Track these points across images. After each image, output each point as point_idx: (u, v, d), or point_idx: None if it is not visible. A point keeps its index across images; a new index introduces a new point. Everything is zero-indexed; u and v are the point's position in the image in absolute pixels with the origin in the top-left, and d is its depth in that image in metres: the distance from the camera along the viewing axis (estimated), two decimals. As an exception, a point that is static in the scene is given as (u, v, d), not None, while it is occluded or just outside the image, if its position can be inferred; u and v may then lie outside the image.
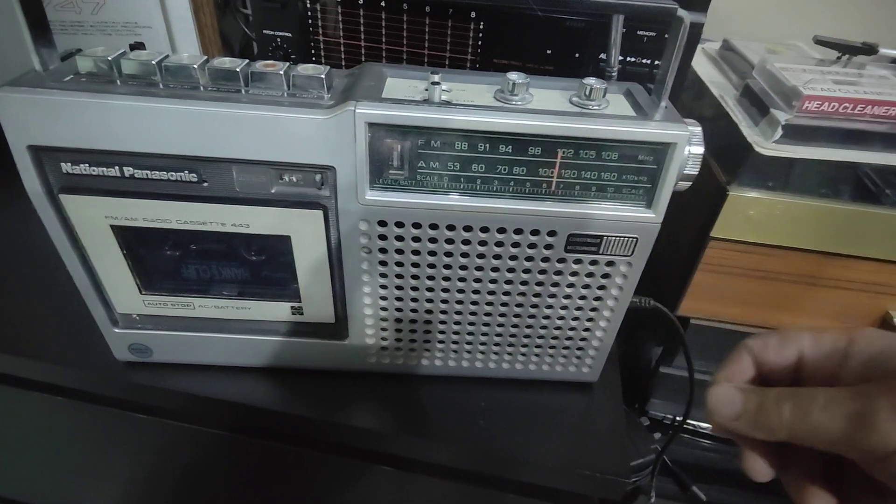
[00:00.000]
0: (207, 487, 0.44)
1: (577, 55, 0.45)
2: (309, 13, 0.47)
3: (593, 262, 0.29)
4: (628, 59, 0.45)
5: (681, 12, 0.24)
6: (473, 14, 0.45)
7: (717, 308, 0.50)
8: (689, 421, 0.62)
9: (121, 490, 0.46)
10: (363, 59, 0.48)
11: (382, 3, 0.45)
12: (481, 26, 0.45)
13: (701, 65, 0.55)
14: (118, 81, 0.25)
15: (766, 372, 0.23)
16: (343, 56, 0.49)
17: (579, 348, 0.34)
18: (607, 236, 0.28)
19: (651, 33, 0.44)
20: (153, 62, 0.25)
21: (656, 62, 0.45)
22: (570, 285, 0.30)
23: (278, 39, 0.49)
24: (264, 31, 0.49)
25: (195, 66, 0.25)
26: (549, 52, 0.46)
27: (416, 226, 0.27)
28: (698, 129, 0.25)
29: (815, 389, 0.20)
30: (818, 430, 0.19)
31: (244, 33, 0.60)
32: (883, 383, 0.18)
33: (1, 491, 0.50)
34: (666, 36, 0.43)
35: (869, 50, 0.49)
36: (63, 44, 0.26)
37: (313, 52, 0.49)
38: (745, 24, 0.69)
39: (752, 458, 0.23)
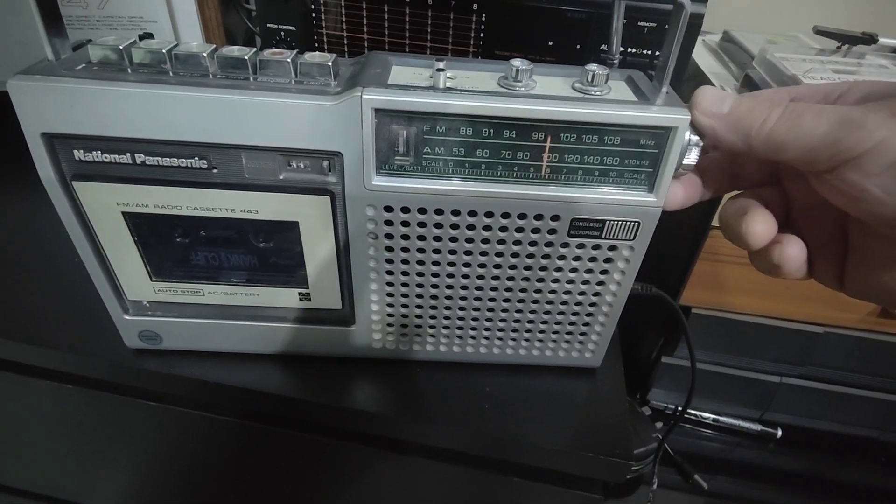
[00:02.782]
0: (216, 473, 0.45)
1: (577, 46, 0.46)
2: (312, 6, 0.47)
3: (596, 247, 0.30)
4: (629, 49, 0.45)
5: (682, -2, 0.24)
6: (475, 6, 0.45)
7: (718, 297, 0.51)
8: (690, 410, 0.62)
9: (130, 477, 0.47)
10: (366, 51, 0.49)
11: (385, -4, 0.45)
12: (483, 18, 0.46)
13: (701, 56, 0.55)
14: (129, 70, 0.25)
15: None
16: (346, 49, 0.49)
17: (582, 333, 0.34)
18: (610, 220, 0.28)
19: (651, 24, 0.45)
20: (163, 50, 0.25)
21: (656, 52, 0.45)
22: (574, 270, 0.31)
23: (282, 33, 0.50)
24: (268, 25, 0.49)
25: (204, 55, 0.25)
26: (550, 43, 0.46)
27: (422, 211, 0.28)
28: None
29: (810, 102, 0.21)
30: (801, 133, 0.20)
31: (247, 27, 0.61)
32: (881, 102, 0.19)
33: (10, 480, 0.51)
34: (666, 27, 0.44)
35: (869, 39, 0.49)
36: (69, 38, 0.26)
37: (316, 45, 0.49)
38: (744, 16, 0.69)
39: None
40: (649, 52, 0.45)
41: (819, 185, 0.21)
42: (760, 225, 0.23)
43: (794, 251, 0.23)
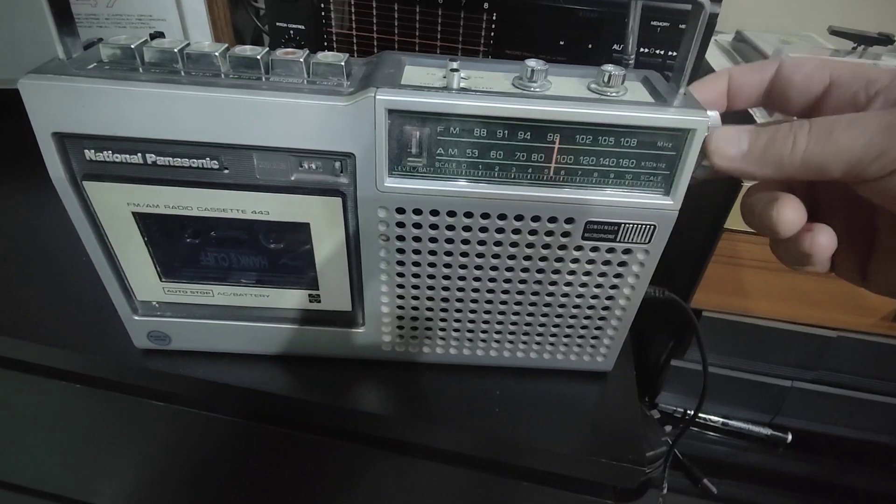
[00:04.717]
0: (223, 474, 0.45)
1: (589, 46, 0.45)
2: (321, 5, 0.47)
3: (610, 250, 0.29)
4: (642, 49, 0.45)
5: (702, -2, 0.24)
6: (486, 5, 0.45)
7: (730, 301, 0.50)
8: (700, 414, 0.62)
9: (137, 476, 0.47)
10: (375, 50, 0.49)
11: (396, -5, 0.45)
12: (494, 17, 0.45)
13: (714, 56, 0.54)
14: (141, 69, 0.25)
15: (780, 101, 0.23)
16: (355, 48, 0.49)
17: (595, 337, 0.34)
18: (625, 223, 0.28)
19: (664, 23, 0.44)
20: (175, 50, 0.25)
21: (670, 52, 0.45)
22: (587, 273, 0.30)
23: (291, 32, 0.49)
24: (277, 24, 0.49)
25: (216, 54, 0.25)
26: (561, 42, 0.46)
27: (434, 213, 0.28)
28: (717, 116, 0.25)
29: (837, 115, 0.19)
30: (839, 149, 0.19)
31: (256, 26, 0.61)
32: None
33: (18, 479, 0.51)
34: (681, 27, 0.43)
35: (885, 40, 0.49)
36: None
37: (325, 44, 0.49)
38: (757, 15, 0.68)
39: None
40: (662, 52, 0.45)
41: (866, 189, 0.20)
42: (792, 212, 0.21)
43: (825, 240, 0.22)
